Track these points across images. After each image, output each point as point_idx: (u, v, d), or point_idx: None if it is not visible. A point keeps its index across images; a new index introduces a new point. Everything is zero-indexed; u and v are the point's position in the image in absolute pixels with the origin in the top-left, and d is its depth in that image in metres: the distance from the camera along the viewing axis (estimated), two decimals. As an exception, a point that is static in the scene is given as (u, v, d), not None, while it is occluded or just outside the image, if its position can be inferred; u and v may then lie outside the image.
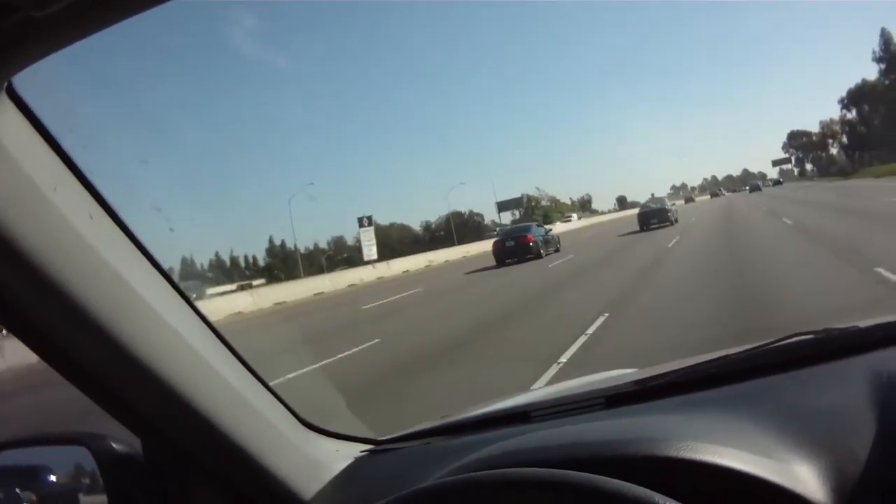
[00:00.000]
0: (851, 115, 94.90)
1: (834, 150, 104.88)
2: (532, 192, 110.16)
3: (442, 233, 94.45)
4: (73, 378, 1.06)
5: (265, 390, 1.30)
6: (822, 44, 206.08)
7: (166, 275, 1.11)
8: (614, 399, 1.36)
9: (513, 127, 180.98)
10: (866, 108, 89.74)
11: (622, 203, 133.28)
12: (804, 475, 0.92)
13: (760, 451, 0.96)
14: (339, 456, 1.43)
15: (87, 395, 1.08)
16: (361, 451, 1.48)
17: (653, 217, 33.65)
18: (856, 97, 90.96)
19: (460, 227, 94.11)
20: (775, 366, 1.27)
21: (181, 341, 1.09)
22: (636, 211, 39.03)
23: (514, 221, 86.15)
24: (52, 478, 1.35)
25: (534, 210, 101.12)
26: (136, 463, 1.22)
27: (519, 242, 27.21)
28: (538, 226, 30.27)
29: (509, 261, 26.79)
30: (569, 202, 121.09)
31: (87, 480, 1.27)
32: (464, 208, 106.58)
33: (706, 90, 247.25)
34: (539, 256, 26.45)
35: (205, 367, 1.14)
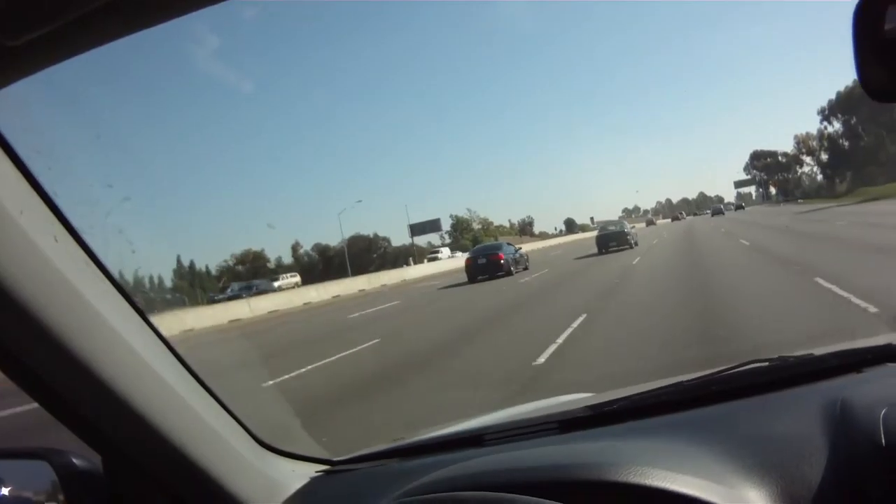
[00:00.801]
0: (833, 127, 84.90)
1: (806, 170, 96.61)
2: (462, 213, 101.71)
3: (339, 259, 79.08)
4: (35, 394, 1.07)
5: (223, 410, 1.31)
6: (790, 58, 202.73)
7: (128, 296, 1.13)
8: (568, 424, 1.38)
9: (441, 147, 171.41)
10: (854, 119, 78.71)
11: (570, 226, 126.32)
12: (753, 500, 0.95)
13: (711, 477, 0.99)
14: (295, 476, 1.44)
15: (49, 411, 1.10)
16: (317, 472, 1.49)
17: (612, 240, 32.81)
18: (844, 105, 78.30)
19: (362, 254, 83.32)
20: (730, 392, 1.29)
21: (141, 361, 1.11)
22: (585, 235, 39.62)
23: (448, 245, 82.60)
24: (4, 491, 1.33)
25: (463, 233, 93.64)
26: (97, 479, 1.23)
27: (490, 260, 28.24)
28: (508, 244, 31.38)
29: (480, 277, 27.63)
30: (507, 225, 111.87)
31: (46, 496, 1.27)
32: (367, 231, 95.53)
33: (661, 112, 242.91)
34: (510, 274, 27.36)
35: (164, 387, 1.15)
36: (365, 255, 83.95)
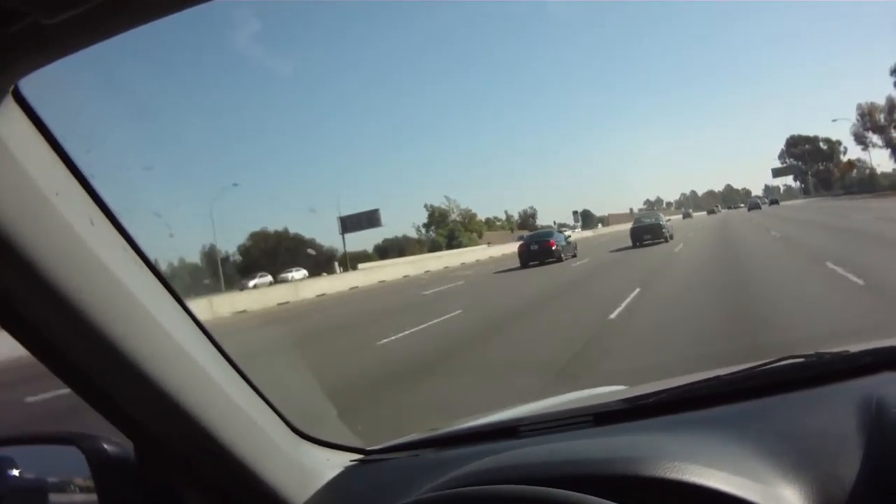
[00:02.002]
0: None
1: (861, 155, 74.06)
2: (440, 202, 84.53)
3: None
4: (69, 380, 1.07)
5: (258, 398, 1.30)
6: (829, 39, 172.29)
7: (165, 281, 1.12)
8: (603, 417, 1.37)
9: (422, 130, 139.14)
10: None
11: (587, 219, 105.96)
12: (790, 498, 0.93)
13: (746, 474, 0.97)
14: (330, 465, 1.44)
15: (83, 397, 1.10)
16: (351, 461, 1.48)
17: (646, 232, 31.78)
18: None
19: (268, 257, 62.59)
20: (765, 388, 1.27)
21: (177, 348, 1.10)
22: (609, 229, 38.69)
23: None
24: (15, 472, 1.34)
25: (438, 227, 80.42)
26: (128, 466, 1.23)
27: (542, 246, 29.77)
28: (559, 232, 33.17)
29: (532, 263, 28.91)
30: (502, 216, 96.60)
31: (78, 481, 1.28)
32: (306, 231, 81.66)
33: (687, 97, 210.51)
34: (560, 259, 28.93)
35: (200, 374, 1.14)
36: (271, 257, 63.23)
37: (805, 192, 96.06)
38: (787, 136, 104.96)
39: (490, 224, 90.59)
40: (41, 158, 0.94)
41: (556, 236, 31.16)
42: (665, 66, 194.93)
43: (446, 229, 79.69)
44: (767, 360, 1.36)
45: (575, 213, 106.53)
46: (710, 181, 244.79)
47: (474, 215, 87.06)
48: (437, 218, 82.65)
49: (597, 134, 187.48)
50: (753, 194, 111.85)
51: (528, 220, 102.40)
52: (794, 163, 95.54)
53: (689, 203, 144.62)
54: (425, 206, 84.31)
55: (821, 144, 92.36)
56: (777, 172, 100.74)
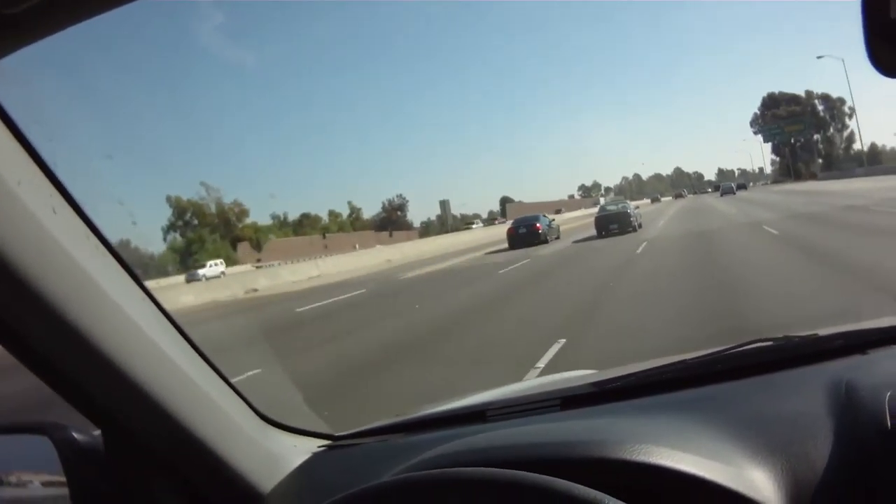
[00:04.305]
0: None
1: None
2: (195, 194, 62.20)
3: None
4: (34, 367, 1.07)
5: (224, 384, 1.31)
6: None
7: (128, 268, 1.13)
8: (570, 401, 1.38)
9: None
10: None
11: (506, 209, 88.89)
12: (759, 481, 0.94)
13: (715, 456, 0.98)
14: (297, 451, 1.45)
15: (48, 384, 1.10)
16: (319, 447, 1.49)
17: (612, 222, 30.41)
18: None
19: None
20: (734, 371, 1.29)
21: (142, 334, 1.11)
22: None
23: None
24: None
25: (199, 229, 57.05)
26: (97, 453, 1.23)
27: (530, 230, 31.98)
28: (544, 216, 34.49)
29: (519, 246, 30.65)
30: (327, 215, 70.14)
31: (47, 470, 1.28)
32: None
33: (624, 67, 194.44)
34: (546, 242, 30.90)
35: (165, 360, 1.15)
36: None
37: (787, 173, 73.85)
38: (764, 94, 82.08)
39: (324, 223, 63.82)
40: (2, 147, 0.94)
41: (541, 220, 32.96)
42: (599, 39, 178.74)
43: (199, 232, 55.58)
44: (736, 344, 1.37)
45: (503, 202, 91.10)
46: (657, 164, 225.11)
47: (244, 211, 60.33)
48: (181, 212, 58.08)
49: (520, 118, 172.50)
50: (705, 178, 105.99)
51: (393, 213, 75.68)
52: (775, 130, 73.49)
53: (632, 190, 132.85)
54: (167, 198, 57.64)
55: (816, 103, 69.18)
56: (767, 135, 77.70)
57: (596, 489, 0.86)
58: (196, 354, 1.25)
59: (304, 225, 64.59)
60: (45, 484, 1.30)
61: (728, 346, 1.37)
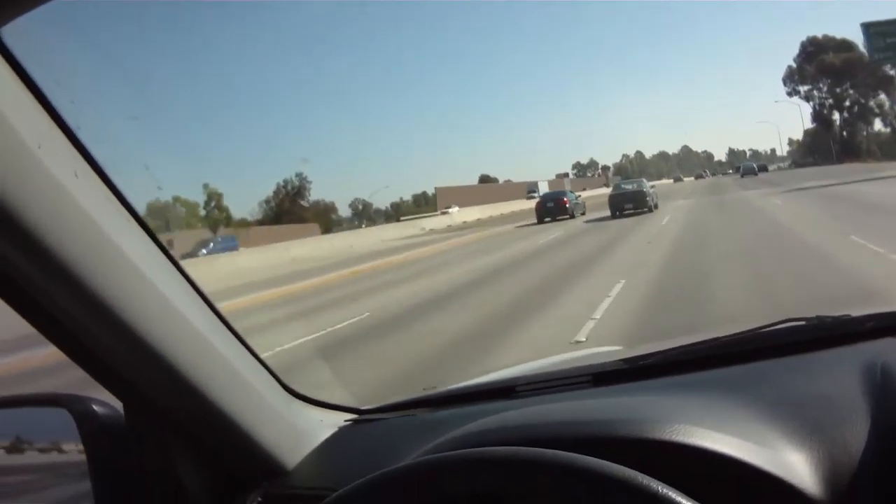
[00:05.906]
0: None
1: None
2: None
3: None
4: (55, 339, 1.04)
5: (251, 357, 1.28)
6: None
7: (154, 236, 1.09)
8: (601, 377, 1.36)
9: None
10: None
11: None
12: (796, 464, 0.92)
13: (752, 438, 0.96)
14: (323, 425, 1.43)
15: (70, 356, 1.07)
16: (345, 421, 1.48)
17: (627, 201, 29.42)
18: None
19: None
20: (766, 351, 1.26)
21: (166, 302, 1.08)
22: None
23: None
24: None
25: None
26: (117, 426, 1.20)
27: (557, 204, 34.19)
28: (571, 192, 38.04)
29: (547, 219, 32.94)
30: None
31: (67, 443, 1.26)
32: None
33: (629, 25, 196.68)
34: (573, 216, 32.90)
35: (190, 332, 1.12)
36: None
37: (825, 152, 53.82)
38: (803, 39, 61.39)
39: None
40: (24, 109, 0.90)
41: (568, 195, 35.72)
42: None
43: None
44: (768, 323, 1.35)
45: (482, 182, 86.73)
46: (663, 142, 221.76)
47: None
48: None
49: (506, 87, 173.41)
50: (715, 159, 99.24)
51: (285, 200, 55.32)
52: (819, 90, 51.54)
53: (633, 169, 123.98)
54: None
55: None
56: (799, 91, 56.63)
57: (634, 469, 0.82)
58: (222, 325, 1.22)
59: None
60: (64, 457, 1.28)
61: (760, 325, 1.35)
